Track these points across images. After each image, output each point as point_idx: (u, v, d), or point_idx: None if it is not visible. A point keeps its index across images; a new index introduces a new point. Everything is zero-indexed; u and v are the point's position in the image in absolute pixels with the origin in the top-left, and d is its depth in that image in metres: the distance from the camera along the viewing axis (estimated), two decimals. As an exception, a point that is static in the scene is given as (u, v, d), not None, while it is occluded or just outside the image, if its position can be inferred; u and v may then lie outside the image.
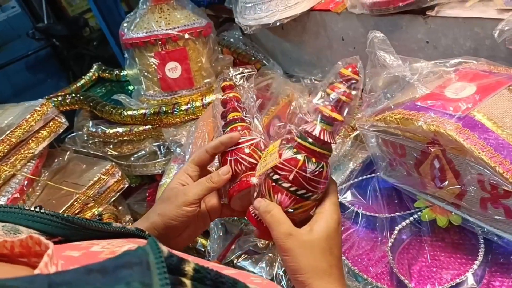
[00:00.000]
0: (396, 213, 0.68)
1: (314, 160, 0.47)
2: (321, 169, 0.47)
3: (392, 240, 0.65)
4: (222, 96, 0.62)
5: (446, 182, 0.61)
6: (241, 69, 0.62)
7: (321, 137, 0.47)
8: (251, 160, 0.55)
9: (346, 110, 0.48)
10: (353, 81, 0.46)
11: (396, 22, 0.81)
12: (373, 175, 0.78)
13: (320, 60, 1.03)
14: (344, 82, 0.46)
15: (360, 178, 0.78)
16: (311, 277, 0.44)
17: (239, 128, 0.58)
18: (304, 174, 0.47)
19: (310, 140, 0.47)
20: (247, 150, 0.56)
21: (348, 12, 0.88)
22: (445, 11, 0.75)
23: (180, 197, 0.53)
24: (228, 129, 0.58)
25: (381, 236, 0.68)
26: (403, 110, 0.61)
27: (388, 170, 0.73)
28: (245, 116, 0.60)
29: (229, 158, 0.56)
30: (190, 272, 0.24)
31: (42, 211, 0.38)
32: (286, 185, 0.47)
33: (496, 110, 0.55)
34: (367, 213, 0.70)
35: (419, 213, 0.67)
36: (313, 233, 0.46)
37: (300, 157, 0.47)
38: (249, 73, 0.62)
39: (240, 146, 0.56)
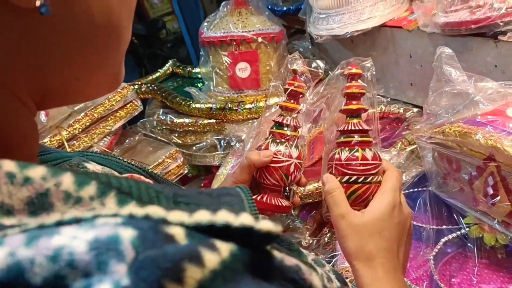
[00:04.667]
0: (444, 226, 0.69)
1: (347, 148, 0.52)
2: (356, 152, 0.51)
3: (436, 251, 0.66)
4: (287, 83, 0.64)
5: (498, 200, 0.62)
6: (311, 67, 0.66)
7: (354, 128, 0.53)
8: (274, 181, 0.57)
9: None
10: (359, 76, 0.53)
11: (466, 43, 0.82)
12: (424, 188, 0.79)
13: (385, 75, 1.05)
14: (352, 80, 0.53)
15: (411, 190, 0.80)
16: (356, 260, 0.46)
17: (281, 139, 0.58)
18: (340, 162, 0.52)
19: (346, 135, 0.53)
20: (274, 171, 0.57)
21: (419, 30, 0.91)
22: (518, 37, 0.76)
23: (228, 180, 0.59)
24: (273, 130, 0.60)
25: (425, 246, 0.69)
26: (462, 124, 0.62)
27: (440, 184, 0.74)
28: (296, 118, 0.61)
29: (258, 170, 0.59)
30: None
31: (132, 163, 0.45)
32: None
33: (558, 132, 0.56)
34: (414, 222, 0.72)
35: (467, 229, 0.68)
36: (364, 215, 0.47)
37: (335, 152, 0.53)
38: (316, 72, 0.66)
39: (270, 164, 0.58)
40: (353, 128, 0.52)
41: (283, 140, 0.57)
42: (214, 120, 1.18)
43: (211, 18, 1.18)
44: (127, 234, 0.16)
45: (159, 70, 1.52)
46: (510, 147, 0.55)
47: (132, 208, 0.18)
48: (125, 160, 0.44)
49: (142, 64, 3.39)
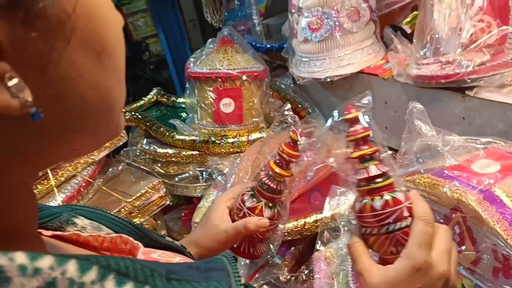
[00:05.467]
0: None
1: (378, 197, 0.48)
2: (384, 200, 0.48)
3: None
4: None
5: (464, 248, 0.67)
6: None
7: (370, 175, 0.50)
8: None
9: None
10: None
11: (436, 95, 0.89)
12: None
13: (362, 117, 1.11)
14: (354, 124, 0.51)
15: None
16: None
17: (275, 203, 0.64)
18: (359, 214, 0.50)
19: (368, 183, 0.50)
20: (236, 218, 0.65)
21: (394, 79, 0.97)
22: (482, 93, 0.83)
23: (219, 235, 0.63)
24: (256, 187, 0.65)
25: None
26: (431, 176, 0.68)
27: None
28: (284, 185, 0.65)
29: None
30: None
31: (119, 216, 0.47)
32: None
33: (516, 189, 0.62)
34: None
35: (435, 272, 0.72)
36: (379, 275, 0.46)
37: (366, 203, 0.50)
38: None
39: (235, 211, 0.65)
40: (381, 170, 0.49)
41: (275, 203, 0.62)
42: (197, 152, 1.21)
43: (198, 54, 1.23)
44: None
45: (143, 98, 1.55)
46: (473, 201, 0.61)
47: None
48: (112, 213, 0.46)
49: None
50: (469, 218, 0.64)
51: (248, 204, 0.64)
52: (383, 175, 0.50)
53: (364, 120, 0.52)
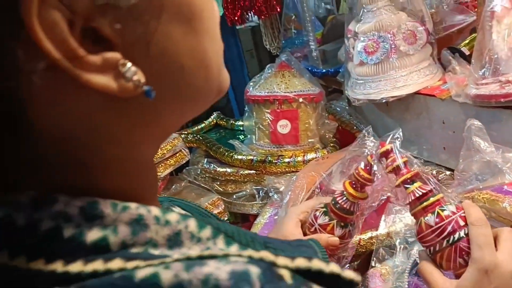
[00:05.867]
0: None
1: (429, 214, 0.52)
2: (438, 213, 0.51)
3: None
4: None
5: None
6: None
7: (421, 193, 0.54)
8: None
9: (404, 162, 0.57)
10: (391, 150, 0.57)
11: (496, 114, 0.88)
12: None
13: (419, 138, 1.11)
14: (389, 156, 0.57)
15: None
16: None
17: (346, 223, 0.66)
18: (430, 229, 0.52)
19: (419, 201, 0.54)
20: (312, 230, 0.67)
21: (452, 99, 0.97)
22: (545, 111, 0.81)
23: None
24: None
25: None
26: (490, 192, 0.67)
27: (471, 247, 0.78)
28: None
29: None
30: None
31: (208, 210, 0.51)
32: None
33: None
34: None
35: None
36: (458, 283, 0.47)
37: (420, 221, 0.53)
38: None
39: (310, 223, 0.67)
40: (425, 189, 0.53)
41: (347, 223, 0.64)
42: (254, 171, 1.26)
43: (257, 78, 1.30)
44: (254, 270, 0.22)
45: (204, 121, 1.64)
46: (535, 217, 0.60)
47: (244, 251, 0.25)
48: (202, 208, 0.51)
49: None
50: (532, 235, 0.63)
51: (320, 221, 0.65)
52: (429, 192, 0.53)
53: (398, 151, 0.57)
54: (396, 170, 0.56)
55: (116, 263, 0.23)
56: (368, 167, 0.62)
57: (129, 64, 0.24)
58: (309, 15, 1.33)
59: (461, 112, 0.96)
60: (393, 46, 1.04)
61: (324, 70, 1.45)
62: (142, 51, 0.25)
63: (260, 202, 1.26)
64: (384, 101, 1.07)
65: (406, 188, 0.55)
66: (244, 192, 1.29)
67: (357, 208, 0.66)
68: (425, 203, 0.53)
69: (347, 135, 1.26)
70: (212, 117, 1.67)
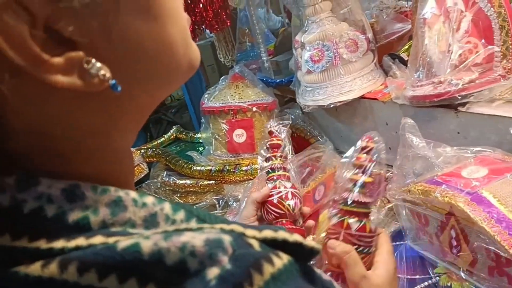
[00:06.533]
0: (417, 276, 0.77)
1: (356, 219, 0.57)
2: (364, 224, 0.57)
3: (410, 298, 0.73)
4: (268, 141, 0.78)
5: (461, 251, 0.70)
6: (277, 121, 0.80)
7: (358, 200, 0.59)
8: (277, 210, 0.70)
9: (370, 171, 0.61)
10: (371, 149, 0.60)
11: (432, 113, 0.95)
12: (402, 242, 0.87)
13: (367, 140, 1.17)
14: (364, 152, 0.60)
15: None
16: None
17: (274, 178, 0.73)
18: (350, 232, 0.57)
19: (350, 204, 0.58)
20: (275, 201, 0.71)
21: (393, 102, 1.03)
22: (474, 108, 0.88)
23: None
24: (268, 175, 0.74)
25: (400, 294, 0.76)
26: (424, 183, 0.73)
27: (414, 238, 0.83)
28: (283, 161, 0.75)
29: (263, 209, 0.72)
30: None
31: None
32: None
33: (502, 191, 0.66)
34: (391, 272, 0.79)
35: (437, 278, 0.75)
36: (381, 277, 0.54)
37: (344, 219, 0.58)
38: (285, 124, 0.80)
39: (270, 198, 0.71)
40: (363, 200, 0.58)
41: (275, 179, 0.68)
42: (213, 182, 1.28)
43: (211, 90, 1.33)
44: (227, 238, 0.25)
45: (163, 135, 1.65)
46: (462, 203, 0.65)
47: (216, 225, 0.27)
48: None
49: (147, 128, 3.56)
50: (461, 221, 0.68)
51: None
52: (369, 203, 0.59)
53: (375, 154, 0.60)
54: (359, 167, 0.59)
55: (97, 239, 0.24)
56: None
57: (93, 61, 0.25)
58: (260, 27, 1.38)
59: (401, 113, 1.02)
60: (336, 54, 1.09)
61: (278, 80, 1.49)
62: (105, 45, 0.26)
63: (221, 211, 1.28)
64: (332, 106, 1.12)
65: (353, 187, 0.59)
66: (204, 203, 1.30)
67: (284, 166, 0.73)
68: (357, 209, 0.58)
69: (302, 141, 1.30)
70: (171, 131, 1.69)
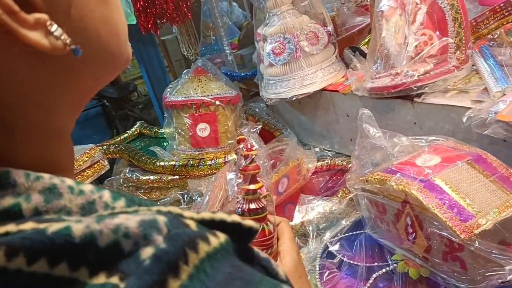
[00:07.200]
0: (375, 263, 0.78)
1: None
2: (262, 229, 0.59)
3: (368, 285, 0.75)
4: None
5: (416, 237, 0.72)
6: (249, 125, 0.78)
7: (250, 208, 0.61)
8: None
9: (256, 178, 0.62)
10: (250, 156, 0.62)
11: (390, 104, 0.96)
12: (362, 231, 0.88)
13: (329, 132, 1.18)
14: (247, 161, 0.62)
15: (350, 233, 0.89)
16: None
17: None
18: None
19: (243, 214, 0.61)
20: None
21: (353, 94, 1.05)
22: (429, 99, 0.90)
23: None
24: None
25: (359, 281, 0.77)
26: (380, 172, 0.74)
27: (373, 227, 0.84)
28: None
29: None
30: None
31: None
32: None
33: (454, 178, 0.68)
34: (350, 261, 0.81)
35: (395, 265, 0.77)
36: (287, 266, 0.56)
37: None
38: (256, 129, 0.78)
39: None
40: (256, 206, 0.60)
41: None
42: (177, 177, 1.27)
43: (174, 84, 1.31)
44: (162, 219, 0.24)
45: (127, 131, 1.62)
46: (415, 191, 0.66)
47: (153, 207, 0.27)
48: None
49: (113, 125, 3.49)
50: (416, 208, 0.70)
51: None
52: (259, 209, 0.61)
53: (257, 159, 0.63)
54: (246, 178, 0.62)
55: (28, 225, 0.23)
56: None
57: (55, 26, 0.26)
58: (222, 21, 1.37)
59: (360, 105, 1.04)
60: (297, 46, 1.10)
61: (242, 74, 1.49)
62: (64, 18, 0.27)
63: (186, 206, 1.27)
64: (294, 98, 1.13)
65: (246, 195, 0.61)
66: (168, 198, 1.29)
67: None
68: (257, 216, 0.60)
69: (266, 134, 1.30)
70: (135, 126, 1.65)
